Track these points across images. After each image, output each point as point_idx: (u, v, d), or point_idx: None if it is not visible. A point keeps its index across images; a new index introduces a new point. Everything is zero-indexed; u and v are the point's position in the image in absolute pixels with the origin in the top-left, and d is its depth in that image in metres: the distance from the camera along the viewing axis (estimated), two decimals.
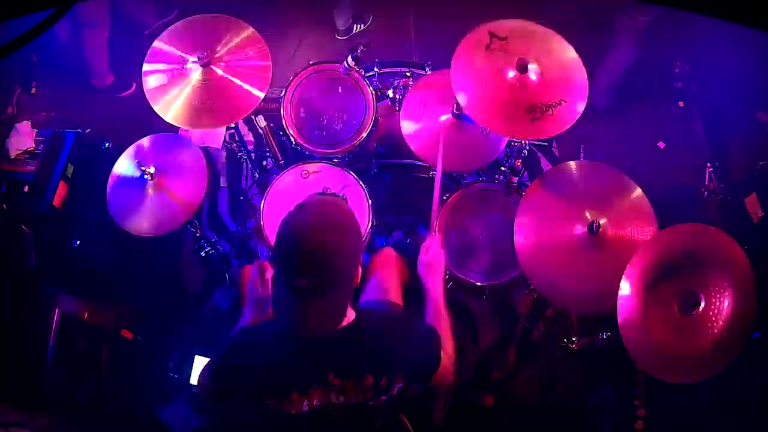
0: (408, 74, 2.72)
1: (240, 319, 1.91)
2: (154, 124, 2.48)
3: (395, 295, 2.21)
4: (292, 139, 2.62)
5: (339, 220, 1.43)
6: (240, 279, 2.40)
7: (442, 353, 1.64)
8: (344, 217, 1.46)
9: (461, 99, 2.11)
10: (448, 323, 1.80)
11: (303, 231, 1.38)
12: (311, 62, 2.72)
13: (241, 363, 1.58)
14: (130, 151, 2.52)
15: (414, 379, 1.67)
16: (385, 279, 2.26)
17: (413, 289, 2.39)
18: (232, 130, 3.21)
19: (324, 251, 1.36)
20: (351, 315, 1.53)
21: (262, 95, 2.37)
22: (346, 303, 1.48)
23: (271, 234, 2.44)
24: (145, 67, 2.42)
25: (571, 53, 2.16)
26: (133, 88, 3.74)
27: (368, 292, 2.19)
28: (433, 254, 1.91)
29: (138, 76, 2.44)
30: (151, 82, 2.40)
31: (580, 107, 2.09)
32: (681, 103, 3.61)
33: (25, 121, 2.92)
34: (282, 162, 2.85)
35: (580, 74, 2.14)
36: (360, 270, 1.49)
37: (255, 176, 3.19)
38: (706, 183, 3.24)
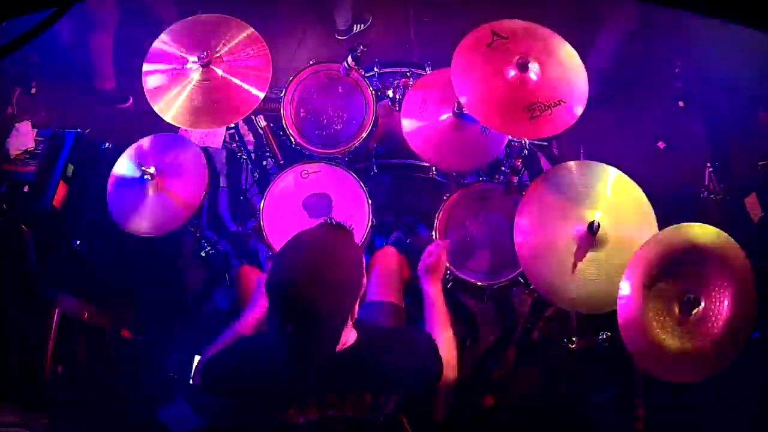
0: (408, 74, 2.72)
1: (239, 320, 1.89)
2: (154, 124, 2.48)
3: (395, 295, 2.24)
4: (292, 139, 2.62)
5: (333, 267, 1.39)
6: (238, 279, 2.39)
7: (443, 360, 1.65)
8: (342, 259, 1.42)
9: (461, 97, 2.11)
10: (448, 321, 1.83)
11: (294, 284, 1.36)
12: (311, 62, 2.72)
13: (240, 373, 1.59)
14: (130, 151, 2.52)
15: (415, 392, 1.68)
16: (386, 278, 2.27)
17: (413, 287, 2.40)
18: (232, 130, 3.21)
19: (314, 308, 1.35)
20: (352, 337, 1.54)
21: (262, 95, 2.37)
22: (338, 335, 1.47)
23: (270, 234, 2.43)
24: (145, 67, 2.42)
25: (571, 54, 2.16)
26: (130, 102, 3.74)
27: (369, 291, 2.21)
28: (436, 259, 1.95)
29: (136, 90, 2.43)
30: (151, 82, 2.40)
31: (579, 109, 2.10)
32: (681, 103, 3.61)
33: (25, 121, 2.91)
34: (282, 162, 2.85)
35: (581, 75, 2.14)
36: (363, 290, 1.50)
37: (255, 176, 3.18)
38: (706, 183, 3.24)
